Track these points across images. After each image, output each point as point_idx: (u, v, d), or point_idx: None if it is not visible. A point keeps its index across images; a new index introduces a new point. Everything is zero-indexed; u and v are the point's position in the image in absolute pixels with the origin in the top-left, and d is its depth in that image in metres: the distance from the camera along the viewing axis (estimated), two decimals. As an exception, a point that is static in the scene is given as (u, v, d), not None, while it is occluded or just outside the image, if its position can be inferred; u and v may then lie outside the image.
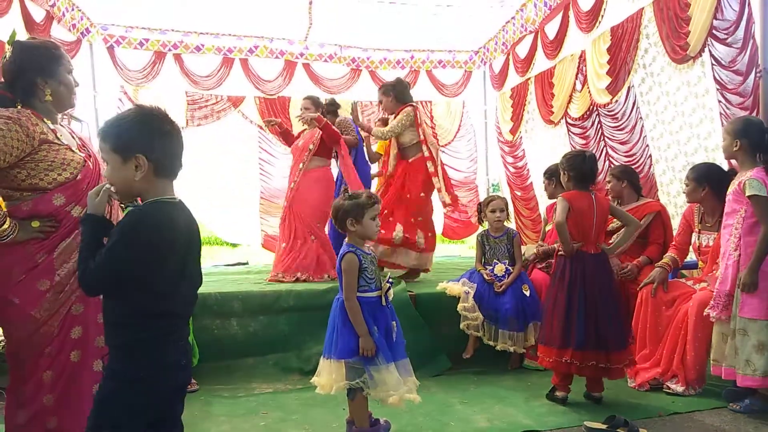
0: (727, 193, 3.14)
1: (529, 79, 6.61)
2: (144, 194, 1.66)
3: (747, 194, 2.94)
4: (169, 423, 1.71)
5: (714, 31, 3.88)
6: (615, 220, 3.72)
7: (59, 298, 2.15)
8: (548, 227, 4.43)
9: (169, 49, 7.09)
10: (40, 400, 2.12)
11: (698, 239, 3.66)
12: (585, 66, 5.44)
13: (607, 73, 4.96)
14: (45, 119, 2.21)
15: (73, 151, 2.23)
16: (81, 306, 2.18)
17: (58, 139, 2.21)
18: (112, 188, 1.68)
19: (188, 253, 1.67)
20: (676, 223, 4.03)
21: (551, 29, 5.93)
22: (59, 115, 2.36)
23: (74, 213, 2.18)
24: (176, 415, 1.74)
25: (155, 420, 1.65)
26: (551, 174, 4.35)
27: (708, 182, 3.52)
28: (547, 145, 6.31)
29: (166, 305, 1.63)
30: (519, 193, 7.23)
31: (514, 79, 7.02)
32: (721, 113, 3.90)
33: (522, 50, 6.67)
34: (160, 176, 1.65)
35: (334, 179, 5.17)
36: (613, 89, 4.92)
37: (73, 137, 2.32)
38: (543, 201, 5.15)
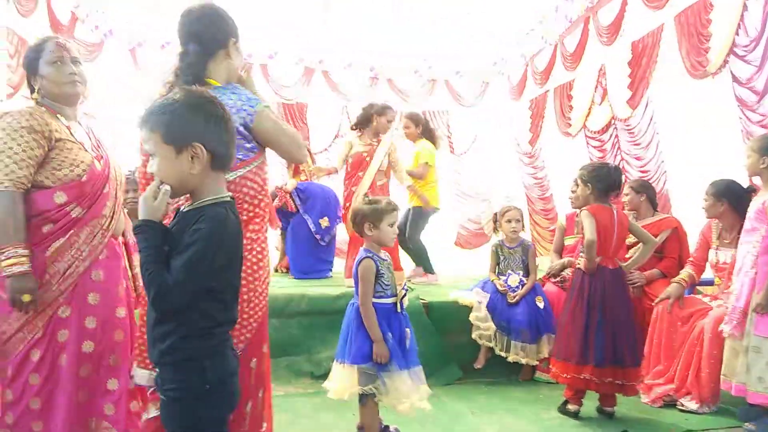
0: (749, 210, 3.11)
1: (547, 91, 6.61)
2: (199, 190, 1.49)
3: None
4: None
5: (734, 48, 3.87)
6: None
7: (44, 297, 2.07)
8: (572, 240, 4.28)
9: (190, 52, 7.16)
10: (26, 403, 2.06)
11: (716, 256, 3.63)
12: (605, 79, 5.44)
13: (628, 86, 4.96)
14: (59, 115, 2.15)
15: (85, 149, 2.17)
16: (68, 309, 2.11)
17: (72, 136, 2.15)
18: (167, 187, 1.47)
19: (240, 255, 1.59)
20: (691, 240, 4.00)
21: (571, 42, 5.93)
22: (79, 112, 2.28)
23: (73, 213, 2.11)
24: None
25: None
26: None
27: (727, 198, 3.49)
28: (566, 157, 6.29)
29: (232, 313, 1.55)
30: (538, 204, 7.21)
31: (532, 90, 7.02)
32: (742, 130, 3.88)
33: (541, 62, 6.67)
34: (216, 168, 1.49)
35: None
36: (633, 103, 4.91)
37: (89, 137, 2.25)
38: (563, 212, 5.14)
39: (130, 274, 2.40)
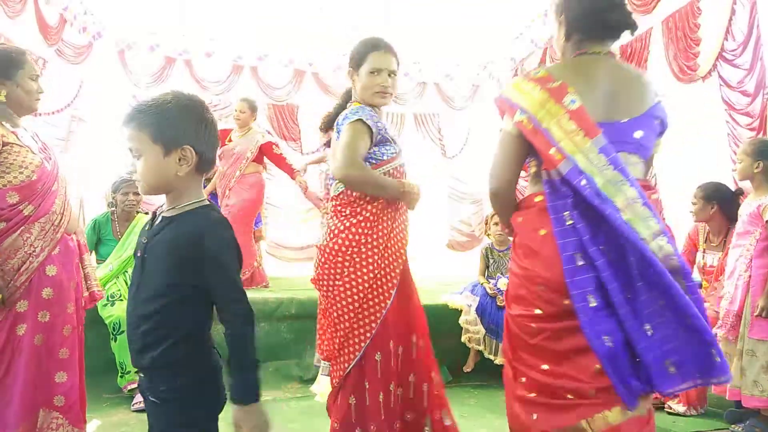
0: (740, 213, 3.13)
1: (537, 94, 6.64)
2: (180, 192, 1.48)
3: (766, 218, 2.94)
4: None
5: (722, 52, 3.90)
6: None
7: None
8: None
9: (180, 54, 7.15)
10: None
11: (703, 258, 3.65)
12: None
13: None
14: (4, 122, 2.23)
15: (33, 152, 2.25)
16: (26, 303, 2.19)
17: (19, 140, 2.23)
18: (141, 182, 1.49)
19: None
20: (679, 244, 4.02)
21: (560, 46, 5.97)
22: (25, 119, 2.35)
23: (25, 211, 2.19)
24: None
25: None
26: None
27: (717, 201, 3.51)
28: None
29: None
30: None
31: (521, 94, 7.04)
32: (729, 134, 3.91)
33: (530, 66, 6.70)
34: (200, 171, 1.50)
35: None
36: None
37: (35, 140, 2.34)
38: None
39: (83, 273, 2.49)
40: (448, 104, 7.97)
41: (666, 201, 4.71)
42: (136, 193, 3.56)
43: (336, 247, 2.16)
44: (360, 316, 2.13)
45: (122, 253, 3.60)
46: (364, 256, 2.13)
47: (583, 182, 1.51)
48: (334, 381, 2.22)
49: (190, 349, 1.48)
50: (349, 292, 2.13)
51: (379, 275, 2.14)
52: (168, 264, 1.45)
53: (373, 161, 2.17)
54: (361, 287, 2.12)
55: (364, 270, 2.13)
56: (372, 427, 2.12)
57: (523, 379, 1.63)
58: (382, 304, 2.14)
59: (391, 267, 2.17)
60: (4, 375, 2.15)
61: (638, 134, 1.63)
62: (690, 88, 4.20)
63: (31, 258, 2.19)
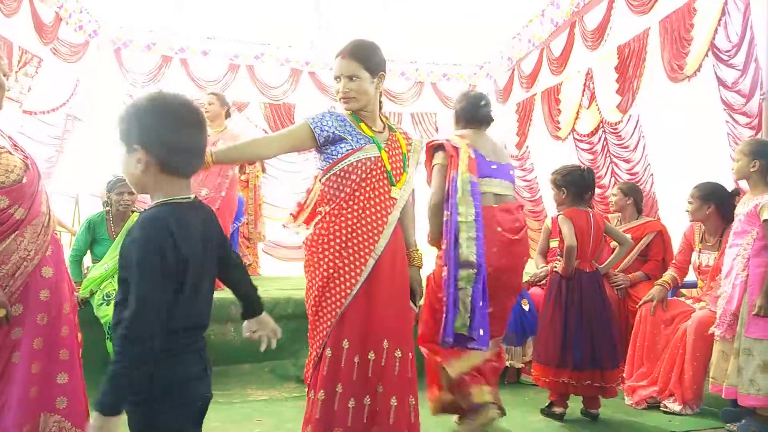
0: (737, 213, 3.13)
1: (534, 94, 6.64)
2: (151, 191, 1.49)
3: (764, 218, 2.94)
4: None
5: (717, 53, 3.91)
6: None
7: None
8: (556, 243, 4.31)
9: (176, 53, 7.14)
10: None
11: (698, 258, 3.66)
12: (592, 83, 5.48)
13: (616, 91, 5.00)
14: None
15: (11, 153, 2.16)
16: (21, 307, 2.13)
17: None
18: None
19: (202, 257, 1.49)
20: (676, 243, 4.04)
21: (557, 46, 5.98)
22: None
23: (16, 215, 2.11)
24: None
25: None
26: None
27: (714, 201, 3.51)
28: (554, 159, 6.33)
29: (190, 318, 1.50)
30: (528, 206, 7.25)
31: (519, 94, 7.06)
32: (728, 133, 3.92)
33: (527, 66, 6.71)
34: (167, 173, 1.46)
35: None
36: (623, 107, 4.96)
37: (3, 137, 2.22)
38: (552, 214, 5.17)
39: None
40: (445, 104, 7.98)
41: (666, 200, 4.74)
42: (131, 193, 3.54)
43: (307, 243, 2.24)
44: (320, 314, 2.17)
45: (117, 252, 3.57)
46: (322, 255, 2.17)
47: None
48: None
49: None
50: (309, 289, 2.21)
51: (335, 275, 2.14)
52: (119, 265, 1.47)
53: (330, 160, 2.20)
54: (319, 284, 2.16)
55: (323, 267, 2.16)
56: (313, 429, 2.12)
57: None
58: (338, 303, 2.13)
59: (351, 267, 2.14)
60: None
61: (511, 171, 2.85)
62: (688, 88, 4.21)
63: (25, 262, 2.13)
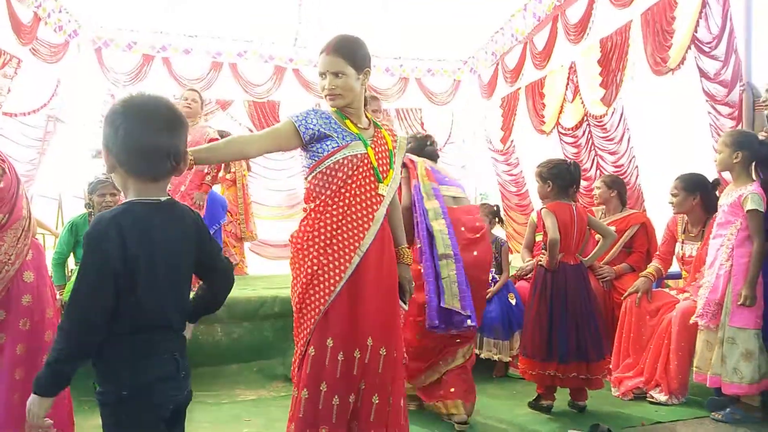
0: (721, 203, 3.16)
1: (519, 89, 6.66)
2: (124, 191, 1.52)
3: (747, 208, 2.96)
4: None
5: (699, 45, 3.94)
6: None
7: None
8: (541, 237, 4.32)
9: (158, 51, 7.07)
10: None
11: (681, 249, 3.69)
12: (576, 77, 5.50)
13: (600, 84, 5.03)
14: None
15: None
16: (3, 312, 2.12)
17: None
18: None
19: (163, 257, 1.48)
20: (661, 234, 4.07)
21: (540, 40, 5.99)
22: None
23: None
24: None
25: None
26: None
27: (700, 192, 3.54)
28: (540, 153, 6.36)
29: (158, 319, 1.49)
30: (514, 200, 7.27)
31: (503, 88, 7.08)
32: (711, 124, 3.96)
33: (511, 60, 6.73)
34: (133, 175, 1.48)
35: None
36: (606, 100, 4.98)
37: None
38: (538, 207, 5.21)
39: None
40: (431, 99, 7.98)
41: (651, 192, 4.78)
42: (113, 194, 3.50)
43: (292, 240, 2.23)
44: (304, 311, 2.16)
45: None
46: (306, 252, 2.16)
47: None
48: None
49: (108, 356, 1.45)
50: (294, 286, 2.20)
51: (319, 272, 2.13)
52: None
53: (316, 158, 2.19)
54: (303, 281, 2.15)
55: (307, 264, 2.15)
56: (296, 427, 2.12)
57: None
58: (322, 300, 2.12)
59: (335, 264, 2.13)
60: None
61: (461, 182, 3.30)
62: (671, 80, 4.24)
63: (6, 267, 2.11)
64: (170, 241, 1.51)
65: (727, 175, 3.33)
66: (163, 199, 1.53)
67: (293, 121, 2.17)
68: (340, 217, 2.16)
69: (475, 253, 2.98)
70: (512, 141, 7.04)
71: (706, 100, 4.02)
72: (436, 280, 2.83)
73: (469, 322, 2.80)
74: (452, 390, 2.99)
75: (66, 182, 6.15)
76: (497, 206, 4.36)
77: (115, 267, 1.39)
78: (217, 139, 4.67)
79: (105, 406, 1.48)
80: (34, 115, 5.93)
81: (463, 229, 2.98)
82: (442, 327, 2.84)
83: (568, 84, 5.63)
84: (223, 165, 4.83)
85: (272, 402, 3.45)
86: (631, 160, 5.04)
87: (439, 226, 2.88)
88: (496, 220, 4.18)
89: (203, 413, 3.24)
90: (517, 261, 4.64)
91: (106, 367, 1.47)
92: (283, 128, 2.18)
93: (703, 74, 3.98)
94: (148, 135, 1.47)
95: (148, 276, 1.45)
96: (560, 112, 5.81)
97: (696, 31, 3.91)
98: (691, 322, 3.20)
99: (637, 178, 4.98)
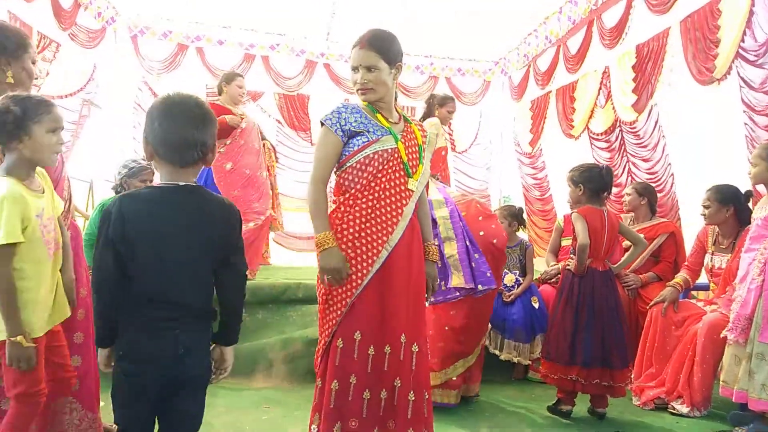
0: (754, 217, 3.10)
1: (549, 92, 6.60)
2: (160, 177, 1.73)
3: None
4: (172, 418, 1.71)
5: (743, 53, 3.86)
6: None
7: None
8: (569, 241, 4.17)
9: (192, 41, 7.16)
10: None
11: (711, 261, 3.63)
12: (609, 82, 5.44)
13: (633, 90, 4.96)
14: None
15: None
16: None
17: None
18: None
19: (171, 234, 1.64)
20: (691, 244, 4.00)
21: (574, 43, 5.93)
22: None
23: None
24: (177, 411, 1.71)
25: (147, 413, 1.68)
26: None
27: (734, 204, 3.48)
28: (568, 158, 6.30)
29: (150, 292, 1.62)
30: (537, 205, 7.21)
31: (534, 91, 7.02)
32: (746, 135, 3.88)
33: (543, 63, 6.67)
34: (163, 162, 1.68)
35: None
36: (638, 107, 4.91)
37: None
38: (562, 213, 5.16)
39: None
40: (460, 99, 7.93)
41: (686, 201, 4.70)
42: (153, 180, 3.58)
43: None
44: (330, 302, 2.16)
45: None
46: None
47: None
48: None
49: (119, 325, 1.68)
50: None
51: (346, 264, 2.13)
52: None
53: (347, 152, 2.19)
54: None
55: None
56: (324, 418, 2.11)
57: None
58: (349, 293, 2.12)
59: (363, 257, 2.13)
60: None
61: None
62: (710, 89, 4.16)
63: None
64: (179, 220, 1.66)
65: (761, 187, 3.26)
66: (182, 183, 1.69)
67: (328, 126, 2.18)
68: (370, 211, 2.16)
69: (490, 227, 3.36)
70: (541, 145, 6.99)
71: (744, 111, 3.94)
72: (441, 259, 3.18)
73: (483, 285, 3.18)
74: None
75: (98, 166, 6.27)
76: (521, 208, 4.31)
77: (114, 239, 1.61)
78: (223, 122, 4.66)
79: (113, 371, 1.68)
80: (70, 98, 6.05)
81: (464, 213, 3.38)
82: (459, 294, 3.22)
83: (600, 88, 5.57)
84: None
85: (292, 391, 3.48)
86: (666, 168, 4.96)
87: (441, 213, 3.26)
88: (516, 222, 4.13)
89: (222, 398, 3.29)
90: (540, 265, 4.61)
91: (104, 339, 1.70)
92: (325, 139, 2.19)
93: (745, 83, 3.90)
94: (178, 129, 1.66)
95: (149, 249, 1.63)
96: (590, 117, 5.75)
97: (743, 40, 3.82)
98: (721, 336, 3.14)
99: (672, 186, 4.90)
